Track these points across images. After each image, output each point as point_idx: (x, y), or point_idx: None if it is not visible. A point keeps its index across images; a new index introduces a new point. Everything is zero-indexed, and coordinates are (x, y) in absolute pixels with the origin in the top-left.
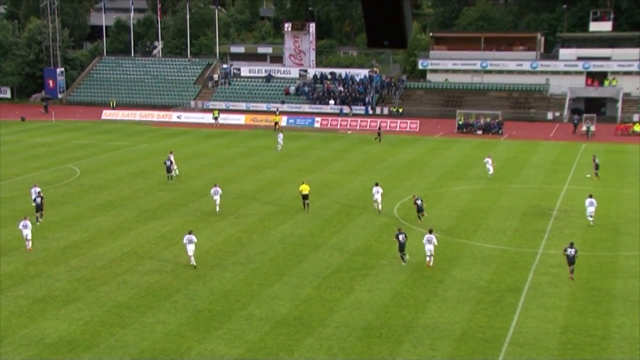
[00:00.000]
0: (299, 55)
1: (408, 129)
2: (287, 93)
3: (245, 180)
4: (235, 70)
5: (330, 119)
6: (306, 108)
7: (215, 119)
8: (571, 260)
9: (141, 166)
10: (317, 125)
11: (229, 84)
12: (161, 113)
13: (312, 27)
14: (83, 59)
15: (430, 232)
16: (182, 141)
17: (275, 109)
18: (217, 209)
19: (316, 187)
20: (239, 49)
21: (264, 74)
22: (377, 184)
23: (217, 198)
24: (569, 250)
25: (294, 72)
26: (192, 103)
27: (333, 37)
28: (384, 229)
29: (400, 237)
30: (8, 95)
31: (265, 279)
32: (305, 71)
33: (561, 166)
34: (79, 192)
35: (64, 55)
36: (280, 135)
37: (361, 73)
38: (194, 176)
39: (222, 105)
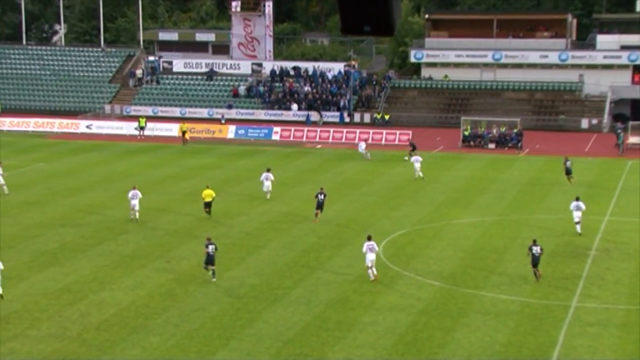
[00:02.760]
0: (251, 44)
1: (397, 141)
2: (236, 95)
3: (179, 211)
4: (165, 64)
5: (293, 129)
6: (261, 115)
7: (141, 129)
8: (536, 261)
9: (37, 193)
10: (275, 137)
11: (157, 82)
12: (64, 122)
13: (269, 6)
14: None
15: (370, 238)
16: (93, 159)
17: (220, 117)
18: (136, 215)
19: (274, 220)
20: (171, 36)
21: (204, 69)
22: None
23: (135, 203)
24: (534, 248)
25: (245, 67)
26: (107, 108)
27: (297, 20)
28: (365, 276)
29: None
30: None
31: (205, 344)
32: (260, 65)
33: (600, 191)
34: None
35: None
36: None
37: (334, 68)
38: (110, 206)
39: (148, 110)
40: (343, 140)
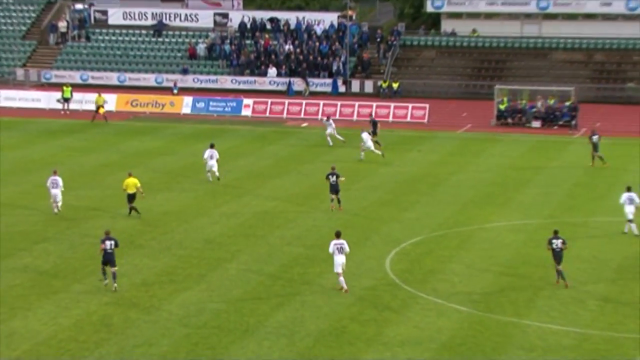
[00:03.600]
0: None
1: (409, 118)
2: (193, 56)
3: (116, 211)
4: (98, 15)
5: (270, 101)
6: (227, 82)
7: (65, 101)
8: (559, 258)
9: None
10: (246, 112)
11: (87, 38)
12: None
13: None
14: None
15: (338, 235)
16: (1, 141)
17: (171, 85)
18: (56, 210)
19: (245, 223)
20: None
21: (150, 22)
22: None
23: (57, 193)
24: (555, 241)
25: (205, 19)
26: (20, 73)
27: None
28: (367, 299)
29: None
30: None
31: None
32: (225, 17)
33: None
34: None
35: None
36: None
37: (325, 19)
38: (23, 204)
39: (75, 77)
40: (337, 116)
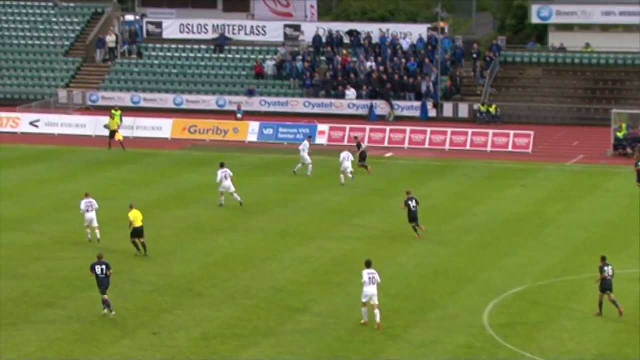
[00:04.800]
0: None
1: (511, 148)
2: (260, 74)
3: (175, 255)
4: (151, 28)
5: (348, 127)
6: (299, 105)
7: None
8: (607, 286)
9: None
10: (321, 140)
11: (140, 55)
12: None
13: None
14: None
15: (369, 265)
16: (41, 173)
17: (237, 108)
18: (96, 234)
19: (322, 269)
20: None
21: (210, 35)
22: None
23: (92, 217)
24: (606, 269)
25: (274, 32)
26: (63, 95)
27: None
28: (461, 358)
29: None
30: None
31: None
32: (298, 29)
33: None
34: None
35: None
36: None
37: (413, 33)
38: (65, 247)
39: (126, 99)
40: (426, 145)
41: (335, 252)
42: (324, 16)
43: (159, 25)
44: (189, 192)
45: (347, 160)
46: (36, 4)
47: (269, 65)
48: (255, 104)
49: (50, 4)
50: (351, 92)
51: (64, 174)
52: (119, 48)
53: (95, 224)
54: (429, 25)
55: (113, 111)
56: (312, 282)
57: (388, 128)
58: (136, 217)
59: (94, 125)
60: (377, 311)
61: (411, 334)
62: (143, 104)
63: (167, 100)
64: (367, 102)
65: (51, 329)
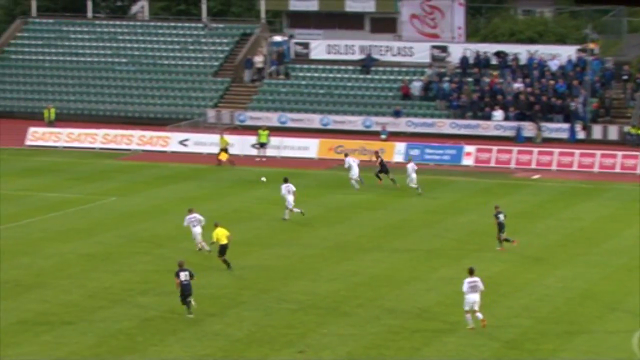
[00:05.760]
0: (432, 16)
1: None
2: (407, 95)
3: (320, 273)
4: (299, 48)
5: (495, 148)
6: (445, 126)
7: (261, 146)
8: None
9: (105, 243)
10: (468, 161)
11: (287, 75)
12: (148, 135)
13: None
14: None
15: (472, 272)
16: (190, 191)
17: (381, 129)
18: (203, 246)
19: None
20: (308, 5)
21: (357, 56)
22: (471, 272)
23: (198, 231)
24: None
25: (421, 53)
26: (211, 114)
27: None
28: None
29: None
30: None
31: None
32: (445, 50)
33: None
34: None
35: None
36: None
37: (561, 54)
38: (214, 265)
39: (273, 118)
40: (575, 167)
41: (481, 273)
42: (472, 37)
43: (306, 46)
44: (335, 212)
45: (413, 172)
46: (186, 25)
47: (416, 86)
48: (401, 124)
49: (200, 25)
50: (498, 114)
51: (212, 193)
52: (266, 68)
53: (199, 239)
54: (578, 47)
55: (260, 131)
56: (457, 304)
57: (536, 150)
58: (221, 235)
59: (241, 145)
60: (478, 313)
61: (559, 358)
62: (290, 124)
63: (314, 120)
64: (515, 124)
65: (199, 345)
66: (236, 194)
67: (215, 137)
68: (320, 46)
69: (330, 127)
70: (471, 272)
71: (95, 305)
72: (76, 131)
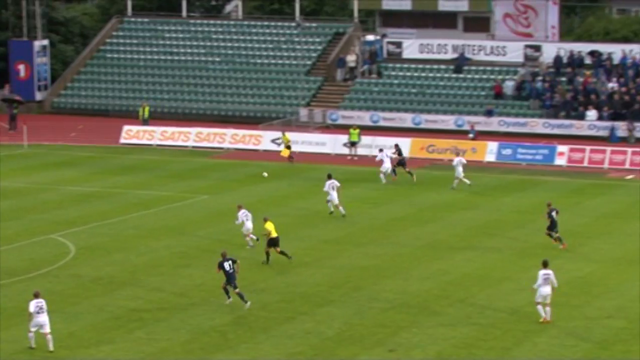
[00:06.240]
0: (525, 15)
1: None
2: (499, 94)
3: (411, 272)
4: (391, 48)
5: (588, 148)
6: (538, 126)
7: (351, 145)
8: None
9: (200, 239)
10: (560, 161)
11: (379, 74)
12: (240, 133)
13: None
14: (86, 22)
15: (546, 265)
16: (282, 190)
17: (470, 127)
18: (248, 243)
19: (560, 291)
20: (401, 4)
21: (450, 55)
22: (545, 264)
23: (249, 226)
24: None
25: (514, 52)
26: (303, 113)
27: None
28: None
29: None
30: None
31: None
32: (538, 49)
33: None
34: (74, 291)
35: (49, 14)
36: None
37: None
38: (305, 261)
39: (365, 117)
40: None
41: (573, 273)
42: (565, 36)
43: (398, 45)
44: (426, 211)
45: (459, 165)
46: (279, 24)
47: (508, 86)
48: (493, 124)
49: (293, 24)
50: (592, 113)
51: (304, 191)
52: (359, 67)
53: (251, 232)
54: None
55: (351, 130)
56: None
57: (629, 150)
58: (272, 228)
59: (333, 143)
60: (547, 308)
61: None
62: (382, 123)
63: (406, 119)
64: (608, 124)
65: (290, 343)
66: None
67: (307, 136)
68: (413, 45)
69: (422, 126)
70: (545, 265)
71: (187, 302)
72: (170, 129)
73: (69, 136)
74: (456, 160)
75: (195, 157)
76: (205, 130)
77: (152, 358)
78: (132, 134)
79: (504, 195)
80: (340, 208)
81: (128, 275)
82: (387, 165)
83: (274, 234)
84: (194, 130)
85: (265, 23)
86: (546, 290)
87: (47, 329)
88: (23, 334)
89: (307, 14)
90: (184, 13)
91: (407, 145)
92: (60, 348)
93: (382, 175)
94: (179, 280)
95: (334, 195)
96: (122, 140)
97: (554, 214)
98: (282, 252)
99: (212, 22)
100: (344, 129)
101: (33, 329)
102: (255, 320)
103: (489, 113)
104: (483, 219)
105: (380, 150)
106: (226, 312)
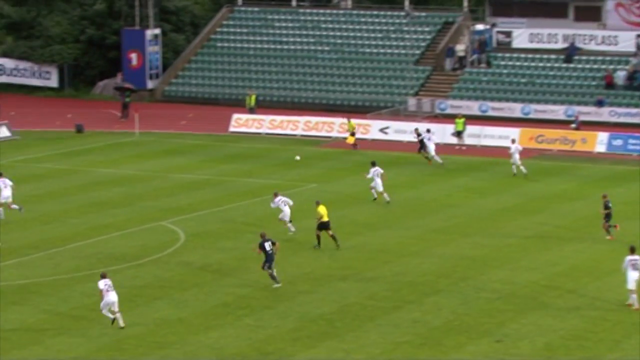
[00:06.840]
0: (637, 5)
1: None
2: (610, 84)
3: (518, 263)
4: (501, 37)
5: None
6: None
7: (458, 134)
8: None
9: (307, 227)
10: None
11: (489, 64)
12: (347, 122)
13: None
14: (197, 11)
15: (633, 250)
16: (389, 178)
17: (574, 118)
18: (290, 229)
19: None
20: None
21: (560, 45)
22: (632, 250)
23: (287, 211)
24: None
25: (626, 42)
26: (412, 102)
27: None
28: None
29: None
30: (54, 82)
31: None
32: None
33: None
34: (183, 277)
35: (161, 3)
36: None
37: None
38: (413, 251)
39: (473, 107)
40: None
41: None
42: None
43: (508, 34)
44: (535, 202)
45: (516, 152)
46: (389, 13)
47: (620, 76)
48: (604, 114)
49: (402, 13)
50: None
51: (411, 180)
52: (468, 57)
53: (287, 216)
54: None
55: (457, 119)
56: None
57: None
58: (324, 212)
59: (441, 133)
60: (634, 295)
61: None
62: (490, 113)
63: (515, 109)
64: None
65: (397, 332)
66: (435, 182)
67: (415, 125)
68: (523, 35)
69: (531, 116)
70: (632, 250)
71: (296, 290)
72: (278, 118)
73: (179, 124)
74: (513, 147)
75: (303, 145)
76: (313, 119)
77: (259, 345)
78: (241, 122)
79: (614, 186)
80: (385, 195)
81: (236, 262)
82: (431, 148)
83: (325, 218)
84: (302, 119)
85: (375, 12)
86: (634, 275)
87: (116, 307)
88: (134, 319)
89: (417, 3)
90: (294, 2)
91: (516, 135)
92: (169, 334)
93: (437, 158)
94: (287, 269)
95: (378, 182)
96: (231, 129)
97: (610, 205)
98: (332, 236)
99: (321, 11)
100: (452, 118)
101: (105, 309)
102: (362, 309)
103: (600, 103)
104: (592, 210)
105: (428, 130)
106: (334, 300)
